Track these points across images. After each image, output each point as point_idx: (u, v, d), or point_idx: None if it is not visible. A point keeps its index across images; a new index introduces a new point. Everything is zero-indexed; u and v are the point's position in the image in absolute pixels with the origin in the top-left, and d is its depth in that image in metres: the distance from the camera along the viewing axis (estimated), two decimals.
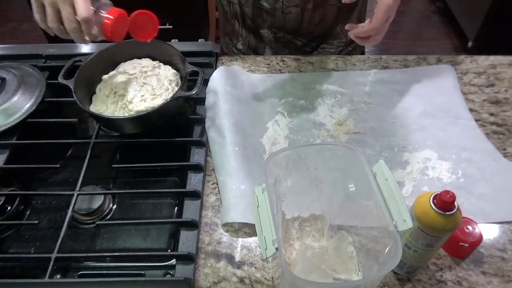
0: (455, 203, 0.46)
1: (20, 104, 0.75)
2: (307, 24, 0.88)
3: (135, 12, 0.64)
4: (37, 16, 0.59)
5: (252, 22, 0.91)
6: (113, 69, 0.77)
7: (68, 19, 0.57)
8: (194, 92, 0.68)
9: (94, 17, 0.59)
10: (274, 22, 0.89)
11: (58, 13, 0.58)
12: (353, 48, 0.98)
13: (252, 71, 0.87)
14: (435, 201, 0.47)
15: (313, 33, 0.91)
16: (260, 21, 0.90)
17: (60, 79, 0.71)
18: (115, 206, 0.67)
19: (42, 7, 0.58)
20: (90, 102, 0.74)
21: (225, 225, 0.63)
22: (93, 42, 0.62)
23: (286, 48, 0.95)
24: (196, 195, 0.65)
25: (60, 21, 0.59)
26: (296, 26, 0.89)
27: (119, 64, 0.77)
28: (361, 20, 0.93)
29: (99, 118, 0.72)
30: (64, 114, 0.82)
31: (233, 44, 1.01)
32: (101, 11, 0.60)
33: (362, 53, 1.03)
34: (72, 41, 0.62)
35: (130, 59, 0.78)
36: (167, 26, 0.72)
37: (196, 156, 0.71)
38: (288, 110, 0.79)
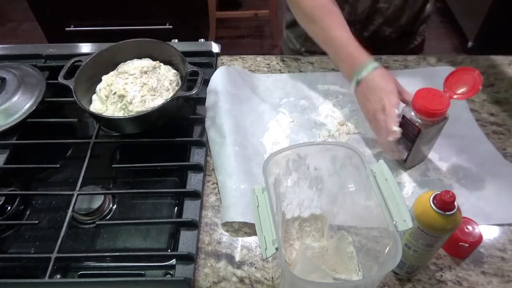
0: (455, 203, 0.46)
1: (20, 104, 0.75)
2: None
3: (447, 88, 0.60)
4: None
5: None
6: (113, 69, 0.77)
7: (381, 139, 0.66)
8: (194, 92, 0.68)
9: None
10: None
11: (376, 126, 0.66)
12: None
13: (252, 71, 0.87)
14: (435, 201, 0.47)
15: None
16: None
17: (60, 79, 0.71)
18: (115, 206, 0.67)
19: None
20: (90, 102, 0.74)
21: (225, 225, 0.63)
22: None
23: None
24: (196, 195, 0.65)
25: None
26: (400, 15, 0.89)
27: (119, 64, 0.77)
28: None
29: (99, 118, 0.72)
30: (64, 114, 0.82)
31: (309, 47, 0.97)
32: (409, 113, 0.61)
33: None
34: (71, 41, 0.61)
35: (130, 59, 0.78)
36: (167, 26, 0.72)
37: (196, 156, 0.71)
38: (289, 110, 0.79)
